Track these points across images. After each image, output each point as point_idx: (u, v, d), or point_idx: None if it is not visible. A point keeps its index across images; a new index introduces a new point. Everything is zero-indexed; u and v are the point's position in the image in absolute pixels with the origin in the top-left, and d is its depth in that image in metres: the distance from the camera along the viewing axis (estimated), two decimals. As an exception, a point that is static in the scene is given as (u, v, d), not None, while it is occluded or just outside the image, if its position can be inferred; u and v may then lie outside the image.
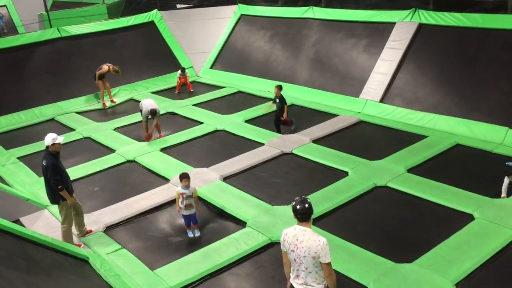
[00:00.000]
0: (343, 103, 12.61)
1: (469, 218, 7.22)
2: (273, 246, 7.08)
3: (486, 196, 7.69)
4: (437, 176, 8.51)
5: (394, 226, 7.26)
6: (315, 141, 10.67)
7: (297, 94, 13.65)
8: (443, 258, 6.32)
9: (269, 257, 6.88)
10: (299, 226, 4.63)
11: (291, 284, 4.81)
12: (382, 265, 6.32)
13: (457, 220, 7.20)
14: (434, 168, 9.00)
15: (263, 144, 10.69)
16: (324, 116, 12.10)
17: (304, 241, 4.49)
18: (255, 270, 6.63)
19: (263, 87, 14.56)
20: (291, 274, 4.79)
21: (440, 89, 11.38)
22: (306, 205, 4.60)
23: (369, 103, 12.16)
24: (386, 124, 11.27)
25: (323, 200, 8.07)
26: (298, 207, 4.59)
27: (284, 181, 9.09)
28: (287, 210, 7.83)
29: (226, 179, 9.27)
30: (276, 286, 6.24)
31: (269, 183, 9.06)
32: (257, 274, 6.55)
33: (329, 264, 4.48)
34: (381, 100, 12.04)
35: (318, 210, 7.73)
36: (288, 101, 13.37)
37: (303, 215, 4.59)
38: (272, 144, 10.62)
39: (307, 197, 8.07)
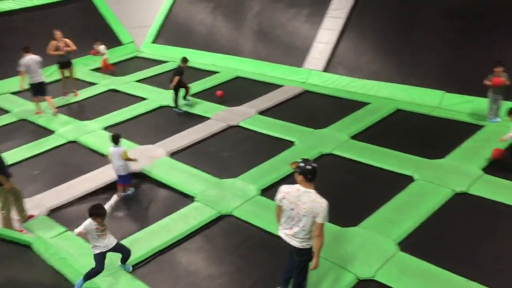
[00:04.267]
0: (288, 74, 12.67)
1: (409, 180, 7.52)
2: (222, 219, 7.11)
3: (425, 158, 8.01)
4: (379, 141, 8.77)
5: (339, 192, 7.45)
6: (261, 112, 10.70)
7: (242, 66, 13.59)
8: (386, 219, 6.57)
9: (219, 230, 6.91)
10: (303, 187, 4.68)
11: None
12: (328, 230, 6.45)
13: (398, 182, 7.47)
14: (376, 133, 9.27)
15: (209, 118, 10.60)
16: (269, 87, 12.12)
17: (308, 202, 4.61)
18: (206, 244, 6.64)
19: (207, 60, 14.38)
20: (281, 226, 4.90)
21: (380, 57, 11.64)
22: (314, 166, 4.67)
23: (313, 73, 12.28)
24: (329, 92, 11.44)
25: (271, 170, 8.14)
26: (309, 167, 4.64)
27: (231, 154, 9.09)
28: (236, 182, 7.86)
29: (173, 155, 9.15)
30: (227, 258, 6.30)
31: (216, 157, 9.04)
32: (208, 247, 6.57)
33: (323, 225, 4.64)
34: (325, 69, 12.18)
35: (267, 180, 7.82)
36: (233, 74, 13.36)
37: (312, 175, 4.65)
38: (219, 117, 10.55)
39: (255, 168, 8.28)
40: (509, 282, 5.35)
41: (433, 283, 5.39)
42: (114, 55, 15.24)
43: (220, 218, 7.13)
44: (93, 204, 5.69)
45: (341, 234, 6.35)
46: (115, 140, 7.72)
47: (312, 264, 4.87)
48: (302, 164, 4.68)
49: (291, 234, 4.80)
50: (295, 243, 4.80)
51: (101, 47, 14.55)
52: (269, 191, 7.55)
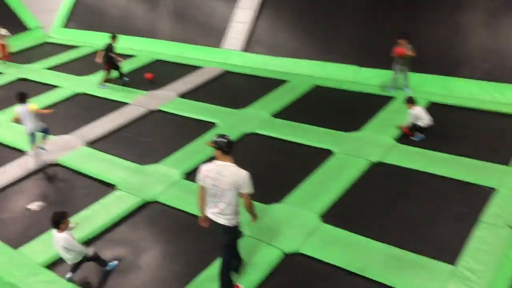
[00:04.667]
0: (207, 55, 12.53)
1: (328, 153, 7.76)
2: (147, 206, 6.96)
3: (343, 131, 8.29)
4: (299, 118, 8.95)
5: (263, 170, 7.51)
6: (182, 95, 10.53)
7: (160, 49, 13.26)
8: (308, 193, 6.76)
9: (144, 218, 6.76)
10: (220, 161, 4.72)
11: (205, 216, 4.93)
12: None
13: (319, 156, 7.69)
14: (296, 110, 9.45)
15: (128, 104, 10.27)
16: (188, 69, 11.94)
17: (229, 176, 4.64)
18: (131, 233, 6.48)
19: (124, 44, 13.82)
20: (207, 207, 4.88)
21: (297, 34, 11.81)
22: (229, 139, 4.73)
23: (232, 53, 12.23)
24: (250, 72, 11.47)
25: (194, 153, 8.07)
26: (224, 140, 4.69)
27: (153, 139, 8.89)
28: (159, 168, 7.72)
29: (91, 143, 8.78)
30: (153, 246, 6.20)
31: (137, 143, 8.80)
32: (133, 237, 6.41)
33: (249, 195, 4.72)
34: (243, 49, 12.18)
35: (190, 164, 7.73)
36: (151, 57, 13.01)
37: (228, 148, 4.70)
38: (138, 102, 10.26)
39: (178, 152, 8.16)
40: (426, 244, 5.69)
41: (356, 251, 5.63)
42: (20, 42, 14.25)
43: (144, 206, 6.97)
44: (52, 216, 5.30)
45: (265, 211, 6.44)
46: (22, 98, 7.59)
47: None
48: (217, 139, 4.74)
49: (217, 212, 4.81)
50: (223, 221, 4.82)
51: (1, 30, 13.44)
52: (193, 175, 7.43)
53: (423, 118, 7.83)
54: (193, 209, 6.64)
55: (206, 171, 4.77)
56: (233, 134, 8.53)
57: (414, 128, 7.90)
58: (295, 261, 5.63)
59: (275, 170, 7.62)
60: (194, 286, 5.37)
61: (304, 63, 11.18)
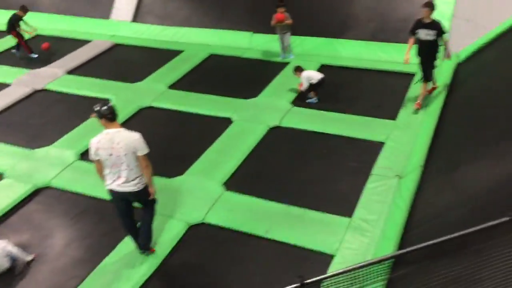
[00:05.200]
0: (95, 27, 11.83)
1: (228, 121, 7.77)
2: (39, 193, 6.54)
3: (241, 98, 8.33)
4: (196, 88, 8.84)
5: (163, 144, 7.37)
6: (70, 72, 9.90)
7: (42, 23, 12.21)
8: (210, 163, 6.75)
9: (38, 206, 6.35)
10: (110, 129, 4.61)
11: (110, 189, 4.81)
12: (155, 182, 6.41)
13: (219, 125, 7.67)
14: (193, 80, 9.31)
15: (9, 84, 9.46)
16: (75, 43, 11.20)
17: (122, 141, 4.57)
18: (24, 223, 6.06)
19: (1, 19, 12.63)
20: (108, 180, 4.75)
21: (189, 2, 11.52)
22: (110, 105, 4.63)
23: (122, 24, 11.67)
24: (142, 44, 11.03)
25: (88, 132, 7.60)
26: (105, 107, 4.59)
27: (42, 121, 8.31)
28: (50, 151, 7.25)
29: (-31, 131, 8.01)
30: (50, 235, 5.86)
31: (24, 126, 8.17)
32: (27, 226, 6.00)
33: (146, 155, 4.70)
34: (133, 20, 11.66)
35: (85, 143, 7.28)
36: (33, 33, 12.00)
37: (111, 114, 4.61)
38: (21, 82, 9.48)
39: (71, 132, 7.71)
40: (324, 200, 5.95)
41: (259, 214, 5.76)
42: None
43: (36, 192, 6.54)
44: None
45: (168, 185, 6.34)
46: None
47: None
48: (98, 108, 4.62)
49: (123, 182, 4.71)
50: (131, 188, 4.75)
51: None
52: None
53: (314, 77, 8.09)
54: (90, 190, 6.37)
55: (97, 143, 4.62)
56: (129, 109, 8.25)
57: (310, 88, 8.13)
58: (201, 232, 5.65)
59: (175, 143, 7.50)
60: (100, 271, 5.17)
61: (197, 32, 10.97)
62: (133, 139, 4.62)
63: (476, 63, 8.16)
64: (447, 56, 7.38)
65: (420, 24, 7.16)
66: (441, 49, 7.31)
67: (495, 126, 5.87)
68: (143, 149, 4.67)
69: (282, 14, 9.19)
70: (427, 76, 7.47)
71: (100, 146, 4.60)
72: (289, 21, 9.27)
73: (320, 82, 8.08)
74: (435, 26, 7.04)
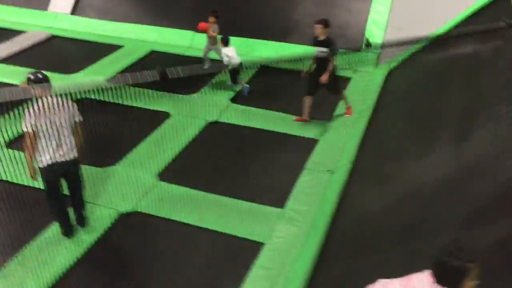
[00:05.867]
0: (30, 18, 11.39)
1: (166, 116, 7.72)
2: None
3: (181, 94, 8.31)
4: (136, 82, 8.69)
5: (97, 135, 7.17)
6: (1, 61, 9.46)
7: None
8: (145, 154, 6.67)
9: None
10: (44, 98, 4.54)
11: (33, 167, 4.75)
12: (87, 172, 6.23)
13: (156, 119, 7.60)
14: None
15: None
16: (7, 33, 10.71)
17: (58, 110, 4.60)
18: None
19: None
20: (46, 153, 4.62)
21: (130, -2, 11.39)
22: (41, 75, 4.62)
23: (60, 16, 11.32)
24: (80, 37, 10.74)
25: (16, 120, 7.33)
26: (39, 74, 4.59)
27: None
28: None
29: None
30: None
31: None
32: None
33: (82, 121, 4.86)
34: (72, 12, 11.35)
35: (10, 131, 6.99)
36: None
37: (46, 79, 4.62)
38: None
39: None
40: (259, 193, 6.02)
41: (193, 205, 5.74)
42: None
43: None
44: None
45: (101, 174, 6.20)
46: None
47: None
48: (31, 76, 4.58)
49: (67, 150, 4.67)
50: (73, 155, 4.75)
51: None
52: (16, 143, 6.82)
53: (234, 58, 8.20)
54: (9, 176, 6.05)
55: (34, 113, 4.50)
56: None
57: (233, 73, 8.33)
58: (132, 220, 5.55)
59: (110, 134, 7.33)
60: (22, 257, 4.95)
61: (138, 28, 10.83)
62: (69, 104, 4.72)
63: (406, 68, 8.62)
64: (327, 73, 7.08)
65: (315, 41, 7.22)
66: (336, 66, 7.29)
67: (421, 126, 6.23)
68: (79, 115, 4.81)
69: (206, 24, 8.61)
70: (311, 91, 7.43)
71: (39, 115, 4.49)
72: (213, 34, 8.66)
73: (238, 69, 8.28)
74: (327, 44, 7.05)
